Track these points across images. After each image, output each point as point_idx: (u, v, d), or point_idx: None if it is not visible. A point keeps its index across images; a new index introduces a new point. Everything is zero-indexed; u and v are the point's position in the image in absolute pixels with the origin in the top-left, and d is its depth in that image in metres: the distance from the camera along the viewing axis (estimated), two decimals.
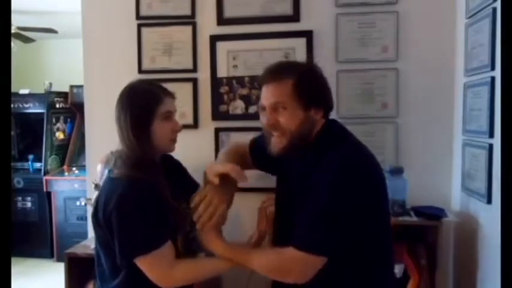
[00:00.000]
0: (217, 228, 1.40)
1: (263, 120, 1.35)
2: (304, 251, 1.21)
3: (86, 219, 2.89)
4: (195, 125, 2.34)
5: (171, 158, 1.58)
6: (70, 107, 5.04)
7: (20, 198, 4.92)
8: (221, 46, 2.31)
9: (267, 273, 1.33)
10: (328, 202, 1.21)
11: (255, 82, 2.28)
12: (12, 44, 4.39)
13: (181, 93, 2.32)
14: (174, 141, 1.45)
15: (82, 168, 4.42)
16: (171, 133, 1.43)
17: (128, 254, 1.32)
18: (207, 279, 1.45)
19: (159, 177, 1.38)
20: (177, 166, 1.62)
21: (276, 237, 1.45)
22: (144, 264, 1.32)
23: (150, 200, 1.33)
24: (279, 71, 1.34)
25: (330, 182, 1.21)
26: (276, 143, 1.32)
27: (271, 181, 1.68)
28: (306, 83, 1.31)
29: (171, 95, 1.44)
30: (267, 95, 1.32)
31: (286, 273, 1.28)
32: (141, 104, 1.38)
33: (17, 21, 4.47)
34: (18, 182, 4.92)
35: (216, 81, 2.32)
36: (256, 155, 1.57)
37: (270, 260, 1.32)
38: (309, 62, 1.41)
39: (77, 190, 4.62)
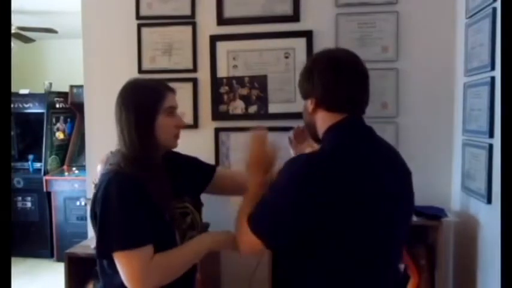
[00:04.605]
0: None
1: None
2: (247, 223, 1.24)
3: (86, 219, 2.89)
4: (195, 125, 2.34)
5: (176, 154, 1.55)
6: (70, 107, 5.05)
7: (20, 198, 4.92)
8: (221, 46, 2.31)
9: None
10: (272, 191, 1.24)
11: (255, 82, 2.28)
12: (12, 44, 4.39)
13: (181, 93, 2.31)
14: (177, 137, 1.44)
15: (82, 168, 4.42)
16: (175, 129, 1.42)
17: (104, 247, 1.29)
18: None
19: (153, 174, 1.35)
20: (182, 163, 1.57)
21: None
22: (118, 260, 1.28)
23: (133, 197, 1.29)
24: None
25: (280, 184, 1.23)
26: None
27: None
28: (302, 73, 1.34)
29: (172, 90, 1.43)
30: None
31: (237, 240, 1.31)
32: (144, 100, 1.36)
33: (17, 21, 4.47)
34: (18, 182, 4.92)
35: (216, 81, 2.32)
36: None
37: (237, 224, 1.32)
38: (325, 50, 1.38)
39: (77, 190, 4.63)
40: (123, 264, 1.28)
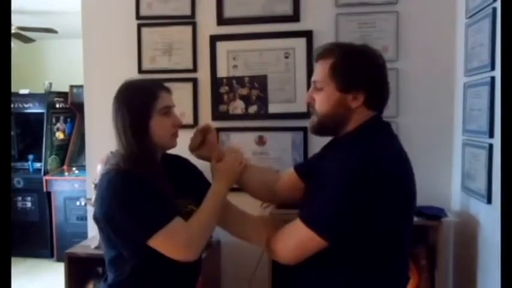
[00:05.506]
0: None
1: None
2: (308, 225, 1.20)
3: (86, 219, 2.89)
4: (195, 125, 2.33)
5: (177, 157, 1.56)
6: (70, 107, 5.04)
7: (20, 198, 4.92)
8: (221, 46, 2.31)
9: (261, 239, 1.36)
10: (340, 194, 1.19)
11: (255, 82, 2.28)
12: (12, 44, 4.39)
13: (181, 93, 2.34)
14: (175, 136, 1.43)
15: (82, 168, 4.41)
16: (172, 128, 1.41)
17: (133, 245, 1.30)
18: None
19: (154, 174, 1.35)
20: (184, 166, 1.58)
21: None
22: (156, 246, 1.28)
23: (139, 188, 1.30)
24: (326, 49, 1.32)
25: (343, 179, 1.19)
26: (310, 121, 1.34)
27: None
28: (344, 64, 1.27)
29: (167, 90, 1.42)
30: (314, 71, 1.34)
31: (282, 245, 1.28)
32: (138, 102, 1.36)
33: (17, 21, 4.47)
34: (18, 182, 4.92)
35: (216, 81, 2.33)
36: (301, 169, 1.53)
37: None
38: (363, 45, 1.35)
39: (77, 190, 4.62)
40: (160, 246, 1.28)
